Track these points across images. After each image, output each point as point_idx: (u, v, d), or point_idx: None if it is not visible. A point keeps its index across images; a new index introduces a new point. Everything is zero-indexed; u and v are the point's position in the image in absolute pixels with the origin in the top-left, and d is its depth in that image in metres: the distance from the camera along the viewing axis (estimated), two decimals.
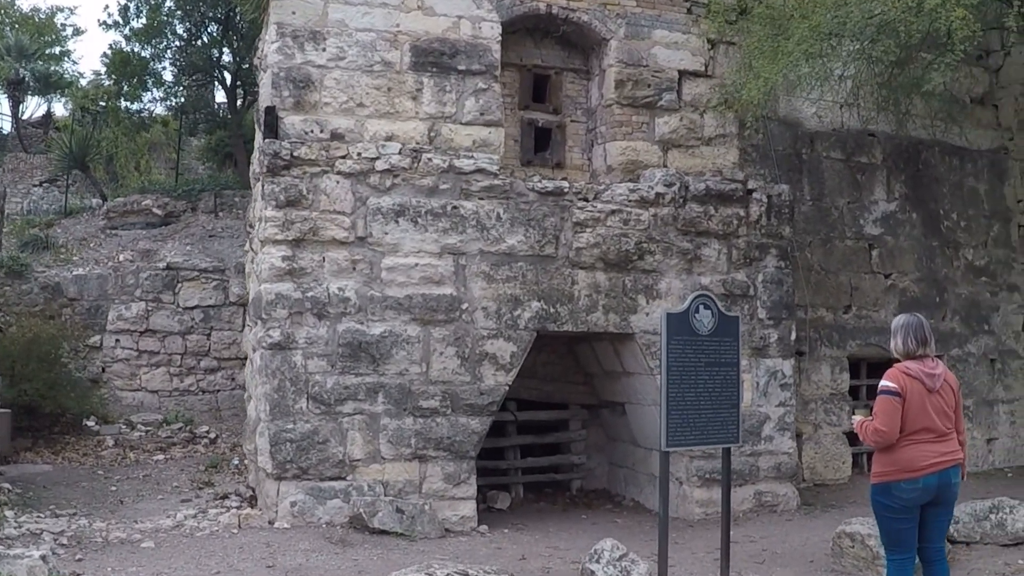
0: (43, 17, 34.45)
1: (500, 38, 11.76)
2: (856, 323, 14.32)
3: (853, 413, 7.64)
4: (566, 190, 11.51)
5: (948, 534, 9.37)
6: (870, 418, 6.85)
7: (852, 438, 14.20)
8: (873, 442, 6.78)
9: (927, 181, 15.25)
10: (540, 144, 12.60)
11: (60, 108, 32.03)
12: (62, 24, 35.13)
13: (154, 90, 21.59)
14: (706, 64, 12.59)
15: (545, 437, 13.27)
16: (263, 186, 10.87)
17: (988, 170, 16.02)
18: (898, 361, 6.97)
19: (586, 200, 11.56)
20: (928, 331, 6.99)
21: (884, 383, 6.78)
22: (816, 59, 11.22)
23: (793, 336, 12.60)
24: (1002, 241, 15.97)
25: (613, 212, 11.60)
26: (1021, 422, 15.86)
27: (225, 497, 11.69)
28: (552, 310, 11.38)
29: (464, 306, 11.07)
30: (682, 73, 12.47)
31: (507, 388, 11.28)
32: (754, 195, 12.30)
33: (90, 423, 14.51)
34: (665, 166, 12.26)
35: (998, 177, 16.09)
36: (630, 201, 11.70)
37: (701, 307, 8.97)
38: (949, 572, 7.28)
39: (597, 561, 8.39)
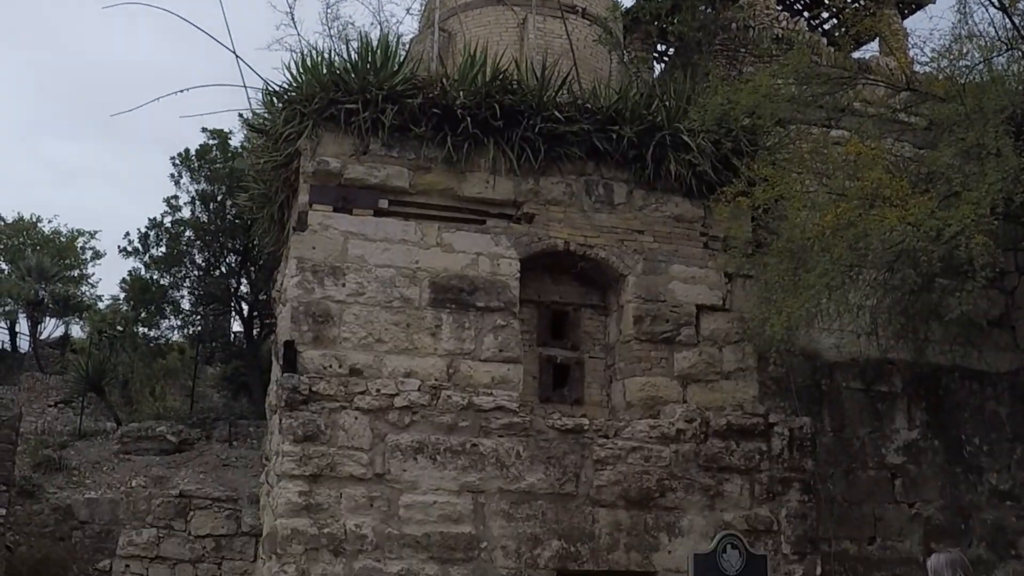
0: (64, 240, 35.21)
1: (519, 275, 11.88)
2: (881, 554, 13.98)
3: None
4: (586, 427, 11.45)
5: None
6: None
7: None
8: None
9: (948, 407, 15.14)
10: (558, 380, 12.56)
11: (77, 330, 32.42)
12: (82, 247, 35.91)
13: (171, 317, 21.91)
14: (723, 298, 12.67)
15: None
16: (281, 420, 10.83)
17: (1008, 392, 15.90)
18: None
19: (606, 437, 11.49)
20: (968, 564, 6.93)
21: None
22: (837, 291, 11.29)
23: (819, 571, 12.29)
24: None
25: (634, 449, 11.50)
26: None
27: None
28: (573, 549, 11.15)
29: (483, 545, 10.87)
30: (700, 308, 12.52)
31: None
32: (775, 429, 12.21)
33: None
34: (685, 401, 12.19)
35: (1019, 399, 15.96)
36: (651, 438, 11.61)
37: (728, 547, 8.88)
38: None
39: None
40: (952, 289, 12.07)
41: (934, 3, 19.01)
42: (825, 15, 19.86)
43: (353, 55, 12.07)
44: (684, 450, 11.72)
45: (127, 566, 15.28)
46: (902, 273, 11.10)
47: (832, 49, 15.53)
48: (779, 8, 17.69)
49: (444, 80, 11.98)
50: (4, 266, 34.30)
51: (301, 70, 11.98)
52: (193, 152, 21.70)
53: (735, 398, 12.44)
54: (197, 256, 21.09)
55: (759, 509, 11.96)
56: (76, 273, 34.65)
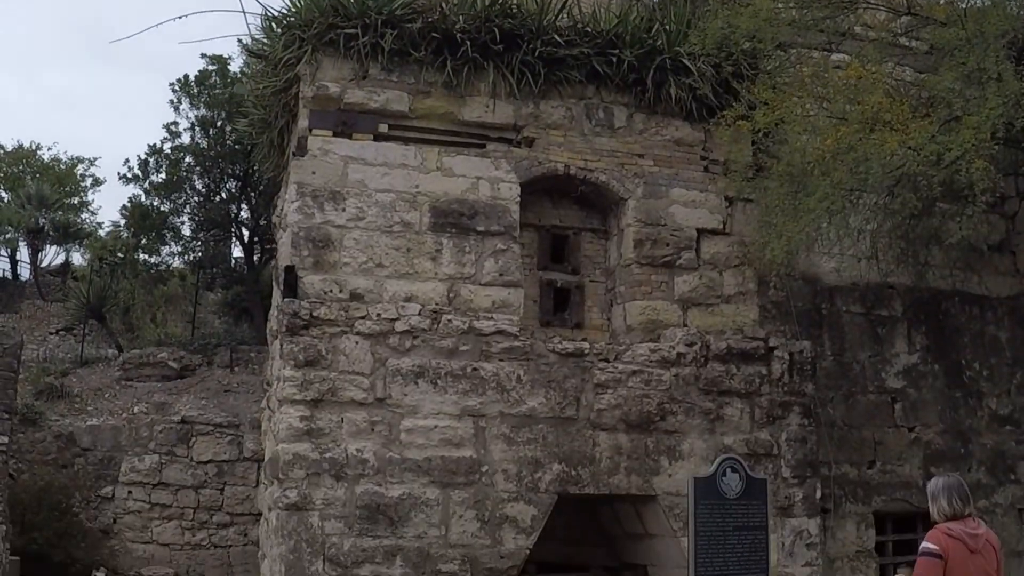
0: (64, 167, 35.07)
1: (519, 199, 11.84)
2: (881, 478, 14.10)
3: (896, 571, 7.51)
4: (587, 351, 11.47)
5: None
6: None
7: None
8: None
9: (948, 331, 15.17)
10: (559, 304, 12.56)
11: (78, 257, 32.40)
12: (82, 175, 35.78)
13: (172, 244, 21.88)
14: (724, 222, 12.63)
15: None
16: (282, 345, 10.85)
17: (1008, 317, 15.93)
18: (936, 523, 6.88)
19: (607, 361, 11.51)
20: (967, 489, 6.95)
21: (925, 544, 6.71)
22: (837, 215, 11.25)
23: (818, 494, 12.38)
24: None
25: (634, 373, 11.52)
26: None
27: None
28: (573, 472, 11.22)
29: (484, 468, 10.93)
30: (700, 231, 12.48)
31: (528, 552, 11.07)
32: (776, 353, 12.23)
33: (99, 574, 14.29)
34: (685, 325, 12.20)
35: (1019, 324, 15.99)
36: (651, 361, 11.63)
37: (728, 470, 8.92)
38: None
39: None
40: (952, 213, 12.05)
41: None
42: None
43: None
44: (684, 374, 11.75)
45: (129, 492, 15.40)
46: (902, 197, 11.05)
47: None
48: None
49: (443, 4, 11.83)
50: (4, 194, 34.24)
51: None
52: (192, 78, 21.53)
53: (735, 322, 12.44)
54: (197, 182, 21.00)
55: (759, 433, 12.02)
56: (76, 200, 34.57)
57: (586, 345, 11.57)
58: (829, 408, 13.69)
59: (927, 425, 14.67)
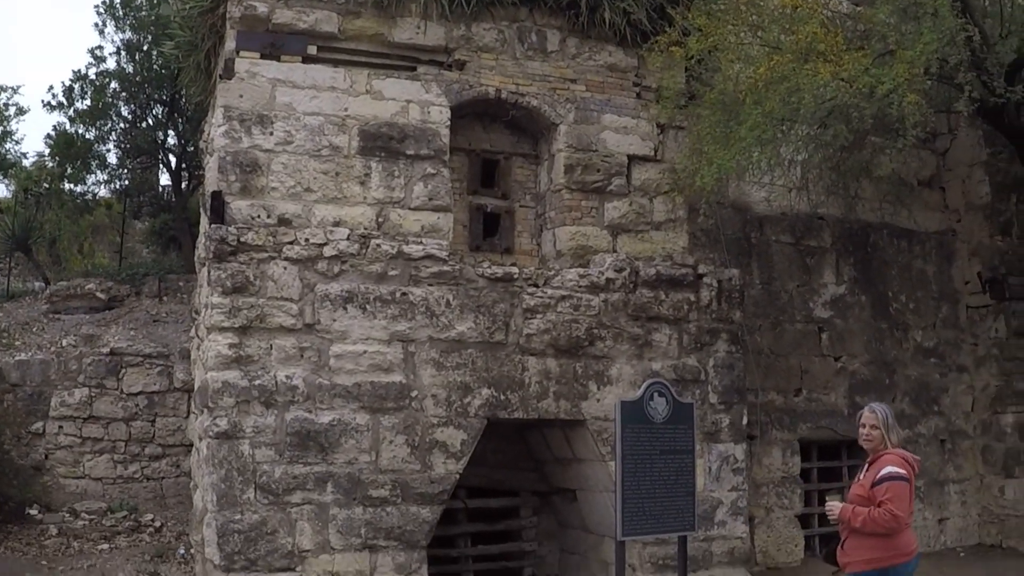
0: None
1: (449, 123, 11.72)
2: (807, 406, 14.32)
3: (826, 498, 7.66)
4: (516, 276, 11.45)
5: None
6: (869, 507, 6.88)
7: (804, 520, 14.17)
8: (886, 528, 6.82)
9: (876, 264, 15.36)
10: (489, 229, 12.53)
11: (2, 189, 31.63)
12: (5, 104, 34.86)
13: (98, 172, 21.30)
14: (655, 149, 12.63)
15: (496, 525, 13.03)
16: (209, 272, 10.70)
17: (936, 252, 16.16)
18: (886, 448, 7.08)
19: (536, 286, 11.50)
20: (894, 419, 7.28)
21: (895, 470, 7.00)
22: (768, 144, 11.28)
23: (745, 420, 12.54)
24: (950, 322, 16.07)
25: (563, 298, 11.53)
26: (971, 501, 15.88)
27: None
28: (503, 397, 11.25)
29: (414, 394, 10.92)
30: (631, 158, 12.48)
31: (458, 476, 11.10)
32: (704, 280, 12.29)
33: (33, 511, 14.10)
34: (615, 251, 12.23)
35: (946, 259, 16.23)
36: (580, 287, 11.64)
37: (655, 395, 8.95)
38: None
39: None
40: (883, 147, 12.16)
41: None
42: None
43: None
44: (613, 299, 11.78)
45: (60, 427, 15.16)
46: (834, 129, 11.08)
47: None
48: None
49: None
50: None
51: None
52: (118, 0, 20.98)
53: (665, 249, 12.49)
54: (123, 108, 20.42)
55: (687, 359, 12.11)
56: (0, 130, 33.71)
57: (516, 270, 11.54)
58: (757, 336, 13.83)
59: (853, 355, 14.89)
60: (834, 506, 7.16)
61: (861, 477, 7.26)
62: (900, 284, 15.60)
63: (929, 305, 15.90)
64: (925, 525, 15.00)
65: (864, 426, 7.23)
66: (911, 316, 15.63)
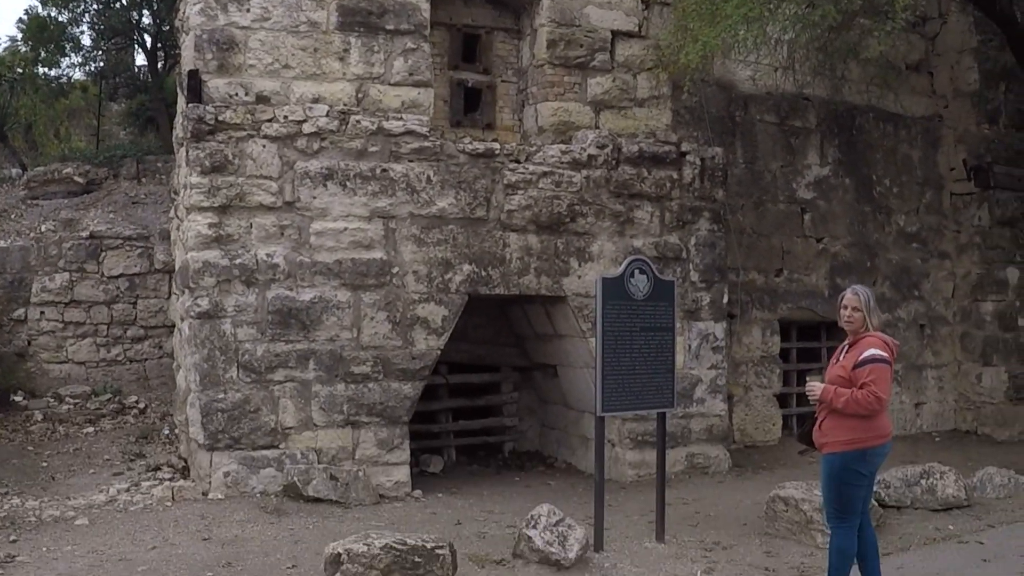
0: None
1: None
2: (787, 286, 14.37)
3: (806, 377, 7.70)
4: (497, 152, 11.35)
5: (880, 498, 9.63)
6: (851, 389, 6.91)
7: (782, 400, 14.32)
8: (868, 409, 6.86)
9: (861, 147, 15.29)
10: (470, 105, 12.42)
11: None
12: None
13: (72, 55, 20.91)
14: (640, 25, 12.43)
15: (477, 400, 13.19)
16: (187, 152, 10.59)
17: (922, 137, 16.09)
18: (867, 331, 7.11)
19: (517, 162, 11.41)
20: (875, 301, 7.31)
21: (877, 352, 6.95)
22: (755, 23, 11.13)
23: (725, 299, 12.60)
24: (934, 208, 16.08)
25: (545, 174, 11.46)
26: (949, 387, 16.06)
27: (157, 469, 11.44)
28: (484, 273, 11.24)
29: (395, 270, 10.90)
30: (615, 33, 12.29)
31: (439, 352, 11.15)
32: (687, 158, 12.23)
33: (17, 398, 14.16)
34: (597, 127, 12.12)
35: (931, 144, 16.17)
36: (562, 163, 11.57)
37: (636, 272, 8.92)
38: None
39: (534, 527, 8.28)
40: (872, 29, 11.96)
41: None
42: None
43: None
44: (595, 176, 11.71)
45: (42, 313, 15.12)
46: (822, 9, 10.93)
47: None
48: None
49: None
50: None
51: None
52: None
53: (648, 126, 12.39)
54: None
55: (669, 236, 12.11)
56: None
57: (497, 146, 11.44)
58: (739, 215, 13.81)
59: (835, 237, 14.90)
60: (815, 386, 7.18)
61: (841, 358, 7.26)
62: (884, 168, 15.56)
63: (913, 190, 15.88)
64: (902, 409, 15.20)
65: (846, 308, 7.20)
66: (895, 200, 15.62)
